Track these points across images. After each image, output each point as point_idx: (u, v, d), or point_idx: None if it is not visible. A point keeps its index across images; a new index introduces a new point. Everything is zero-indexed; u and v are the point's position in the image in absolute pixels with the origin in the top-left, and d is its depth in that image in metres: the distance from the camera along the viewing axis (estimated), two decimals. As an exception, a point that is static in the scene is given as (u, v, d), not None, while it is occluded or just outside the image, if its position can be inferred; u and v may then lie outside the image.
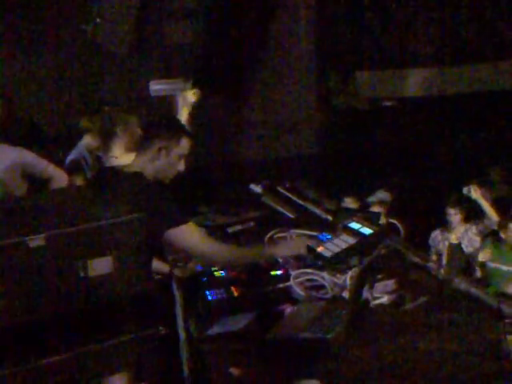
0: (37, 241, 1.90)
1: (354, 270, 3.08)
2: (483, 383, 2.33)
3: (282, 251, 3.12)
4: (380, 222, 3.90)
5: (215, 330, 2.73)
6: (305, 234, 3.44)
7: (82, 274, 1.96)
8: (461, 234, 5.65)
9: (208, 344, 2.65)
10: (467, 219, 5.71)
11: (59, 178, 4.32)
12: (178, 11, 7.58)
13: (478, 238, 5.58)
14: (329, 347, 2.47)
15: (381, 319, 2.82)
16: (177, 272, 3.16)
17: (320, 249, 3.24)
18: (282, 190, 3.89)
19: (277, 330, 2.66)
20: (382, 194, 5.82)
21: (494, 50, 8.65)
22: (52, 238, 1.92)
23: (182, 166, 3.02)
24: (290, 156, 7.97)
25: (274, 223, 3.66)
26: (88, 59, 7.38)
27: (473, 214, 5.71)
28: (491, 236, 5.41)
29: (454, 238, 5.59)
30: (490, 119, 8.14)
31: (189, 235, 2.84)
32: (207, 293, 2.92)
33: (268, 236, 3.54)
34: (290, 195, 3.83)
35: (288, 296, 2.99)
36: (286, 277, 3.10)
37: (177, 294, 2.90)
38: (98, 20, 6.67)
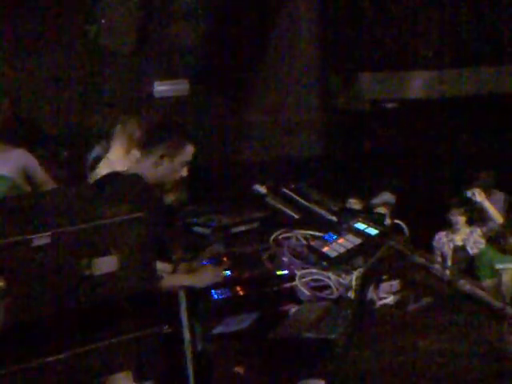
0: (42, 239, 1.90)
1: (359, 270, 3.06)
2: (486, 384, 2.32)
3: (197, 281, 2.93)
4: (385, 222, 3.89)
5: (219, 329, 2.73)
6: (310, 235, 3.44)
7: (86, 273, 1.96)
8: (466, 235, 5.66)
9: (212, 343, 2.64)
10: (471, 221, 5.72)
11: (50, 186, 4.33)
12: (181, 12, 7.60)
13: (482, 240, 5.59)
14: (333, 347, 2.46)
15: (385, 320, 2.82)
16: (181, 270, 3.14)
17: (325, 249, 3.23)
18: (286, 191, 3.88)
19: (281, 330, 2.65)
20: (387, 196, 5.83)
21: (496, 53, 8.67)
22: (57, 237, 1.92)
23: (184, 172, 3.00)
24: (292, 157, 7.96)
25: (279, 224, 3.65)
26: (90, 60, 7.38)
27: (477, 216, 5.72)
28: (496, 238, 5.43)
29: (458, 240, 5.60)
30: (491, 121, 8.14)
31: None
32: (212, 292, 2.91)
33: (273, 237, 3.53)
34: (294, 196, 3.82)
35: (293, 296, 2.99)
36: (291, 277, 3.09)
37: (181, 292, 2.89)
38: (101, 21, 6.69)
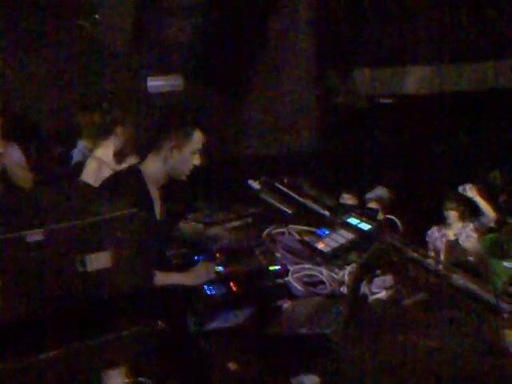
0: (35, 236, 1.89)
1: (352, 265, 3.08)
2: (481, 379, 2.33)
3: (190, 279, 2.96)
4: (378, 217, 3.90)
5: (214, 325, 2.72)
6: (303, 230, 3.45)
7: (80, 269, 1.95)
8: (458, 230, 5.68)
9: (206, 339, 2.65)
10: (464, 216, 5.74)
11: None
12: (177, 8, 7.58)
13: (475, 235, 5.61)
14: (327, 343, 2.47)
15: (379, 315, 2.82)
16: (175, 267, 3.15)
17: (318, 244, 3.24)
18: (279, 186, 3.89)
19: (275, 326, 2.66)
20: (381, 191, 5.83)
21: (494, 48, 8.66)
22: (50, 233, 1.91)
23: (197, 160, 2.97)
24: (289, 153, 7.96)
25: (272, 219, 3.66)
26: (86, 56, 7.37)
27: (469, 211, 5.74)
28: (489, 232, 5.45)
29: (451, 235, 5.63)
30: (489, 117, 8.14)
31: None
32: (206, 288, 2.92)
33: (266, 232, 3.55)
34: (287, 191, 3.83)
35: (286, 291, 2.99)
36: (284, 272, 3.10)
37: (175, 289, 2.91)
38: (96, 17, 6.68)
